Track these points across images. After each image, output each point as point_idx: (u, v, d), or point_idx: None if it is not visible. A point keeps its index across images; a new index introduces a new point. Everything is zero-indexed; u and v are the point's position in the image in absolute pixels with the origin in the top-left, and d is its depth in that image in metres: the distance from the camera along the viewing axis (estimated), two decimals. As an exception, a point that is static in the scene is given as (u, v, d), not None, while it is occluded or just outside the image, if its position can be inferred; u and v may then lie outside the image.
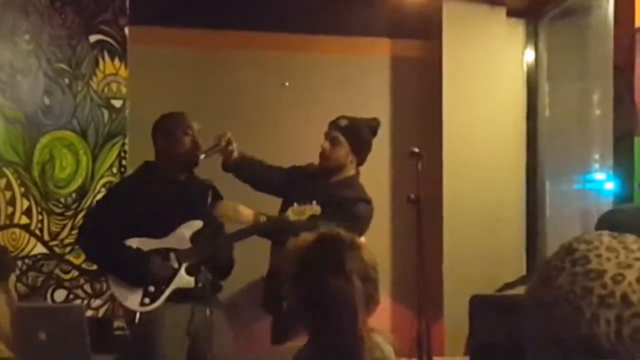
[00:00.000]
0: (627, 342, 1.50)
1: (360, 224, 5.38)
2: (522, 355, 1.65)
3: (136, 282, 5.28)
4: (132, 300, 5.30)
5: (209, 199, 5.45)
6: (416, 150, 5.19)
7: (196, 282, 5.16)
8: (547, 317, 1.57)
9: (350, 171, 5.55)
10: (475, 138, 7.15)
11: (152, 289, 5.27)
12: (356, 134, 5.53)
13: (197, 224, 5.31)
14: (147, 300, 5.28)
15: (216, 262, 5.34)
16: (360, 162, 5.57)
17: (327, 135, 5.59)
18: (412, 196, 5.32)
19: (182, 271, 5.26)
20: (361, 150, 5.55)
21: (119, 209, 5.30)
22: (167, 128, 5.53)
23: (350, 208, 5.40)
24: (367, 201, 5.53)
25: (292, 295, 2.64)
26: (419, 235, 4.97)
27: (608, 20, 6.14)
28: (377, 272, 2.62)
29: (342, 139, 5.51)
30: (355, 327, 2.48)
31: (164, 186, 5.39)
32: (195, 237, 5.29)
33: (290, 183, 5.62)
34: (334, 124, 5.58)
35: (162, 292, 5.25)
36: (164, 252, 5.28)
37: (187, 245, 5.30)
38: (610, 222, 2.67)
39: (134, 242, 5.27)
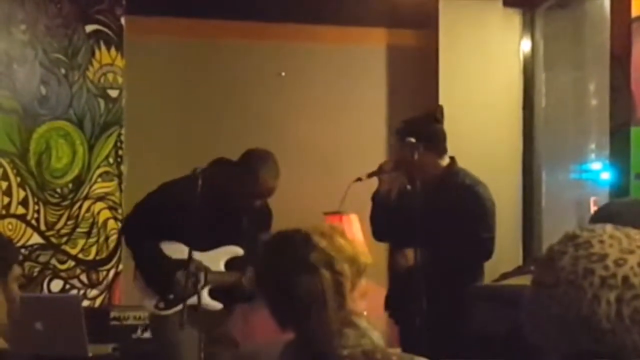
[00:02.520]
0: (627, 322, 1.52)
1: (490, 205, 5.41)
2: (518, 344, 1.66)
3: (157, 288, 5.28)
4: (149, 299, 5.31)
5: (262, 226, 5.39)
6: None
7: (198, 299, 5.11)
8: (547, 297, 1.59)
9: (434, 169, 5.40)
10: (471, 128, 7.15)
11: (171, 296, 5.25)
12: (416, 134, 5.40)
13: (236, 251, 5.28)
14: (162, 304, 5.28)
15: (240, 291, 5.33)
16: (441, 153, 5.46)
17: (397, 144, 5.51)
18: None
19: (206, 291, 5.24)
20: (432, 143, 5.39)
21: (170, 208, 5.17)
22: (261, 166, 5.26)
23: (472, 196, 5.37)
24: (483, 184, 5.49)
25: (262, 294, 2.64)
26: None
27: (604, 9, 6.14)
28: (350, 256, 2.58)
29: (400, 142, 5.43)
30: (324, 317, 2.47)
31: (226, 199, 5.26)
32: (229, 263, 5.28)
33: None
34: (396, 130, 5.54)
35: (178, 303, 5.22)
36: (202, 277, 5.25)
37: (220, 268, 5.30)
38: (606, 213, 2.67)
39: (172, 247, 5.22)
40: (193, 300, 5.12)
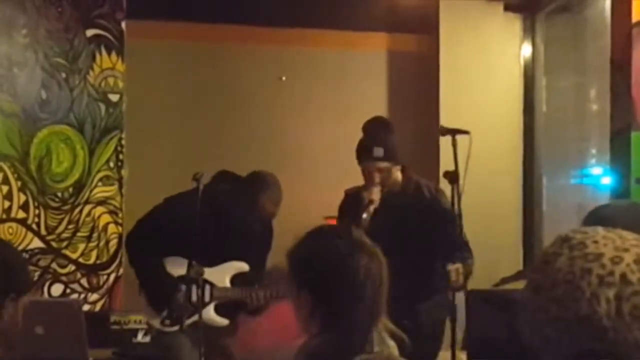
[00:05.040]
0: (627, 319, 1.53)
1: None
2: (519, 348, 1.66)
3: (161, 306, 5.24)
4: (154, 316, 5.28)
5: (264, 243, 5.37)
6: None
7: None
8: (545, 299, 1.59)
9: (399, 178, 5.36)
10: (472, 132, 7.14)
11: (177, 313, 5.21)
12: (394, 151, 5.36)
13: (242, 267, 5.27)
14: (167, 321, 5.25)
15: (247, 306, 5.31)
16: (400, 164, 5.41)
17: (371, 169, 5.28)
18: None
19: (211, 307, 5.23)
20: (400, 158, 5.38)
21: (175, 223, 5.10)
22: (262, 192, 5.26)
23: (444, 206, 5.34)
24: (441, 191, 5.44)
25: (308, 282, 2.63)
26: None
27: (605, 14, 6.15)
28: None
29: (386, 165, 5.36)
30: (377, 311, 2.48)
31: (228, 218, 5.24)
32: (235, 279, 5.27)
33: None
34: (371, 157, 5.30)
35: (185, 319, 5.17)
36: (202, 283, 5.23)
37: (225, 284, 5.28)
38: (598, 217, 2.68)
39: (176, 263, 5.17)
40: (204, 317, 5.12)
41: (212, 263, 5.20)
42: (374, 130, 5.40)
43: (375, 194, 5.25)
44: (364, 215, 5.13)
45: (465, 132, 5.08)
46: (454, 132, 5.09)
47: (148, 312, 5.37)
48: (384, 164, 5.26)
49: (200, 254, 5.06)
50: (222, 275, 5.25)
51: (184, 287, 5.11)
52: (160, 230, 5.20)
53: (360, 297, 2.48)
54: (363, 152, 5.32)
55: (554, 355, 1.59)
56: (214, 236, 5.14)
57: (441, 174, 5.14)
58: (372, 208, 5.21)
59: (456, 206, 4.93)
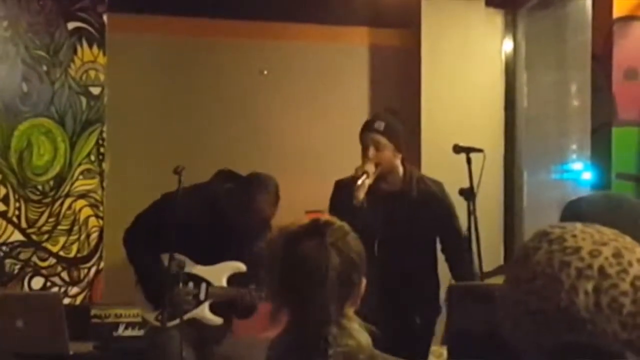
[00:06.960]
0: (606, 311, 1.54)
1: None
2: (499, 342, 1.67)
3: (157, 302, 5.20)
4: (150, 311, 5.25)
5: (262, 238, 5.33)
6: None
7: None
8: (525, 292, 1.60)
9: (400, 170, 5.37)
10: (453, 127, 7.16)
11: (170, 309, 5.18)
12: (395, 132, 5.32)
13: (239, 267, 5.25)
14: (161, 317, 5.23)
15: (240, 307, 5.29)
16: (403, 156, 5.36)
17: (368, 140, 5.23)
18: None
19: (206, 306, 5.22)
20: (402, 145, 5.36)
21: (173, 220, 4.98)
22: (259, 194, 5.20)
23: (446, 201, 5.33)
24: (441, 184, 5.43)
25: (273, 274, 2.64)
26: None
27: (586, 10, 6.16)
28: (362, 261, 2.61)
29: (384, 141, 5.31)
30: (327, 302, 2.47)
31: (228, 218, 5.18)
32: (231, 279, 5.25)
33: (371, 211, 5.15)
34: (371, 128, 5.25)
35: (178, 316, 5.09)
36: (197, 280, 5.22)
37: (222, 283, 5.26)
38: (574, 211, 2.70)
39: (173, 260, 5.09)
40: (192, 313, 5.12)
41: (210, 262, 5.20)
42: (382, 113, 5.44)
43: (369, 167, 5.18)
44: (359, 182, 5.09)
45: (479, 150, 5.10)
46: (468, 150, 5.11)
47: (144, 307, 5.34)
48: (382, 139, 5.20)
49: (198, 252, 5.08)
50: (219, 274, 5.24)
51: (180, 284, 5.11)
52: (157, 226, 5.17)
53: (308, 290, 2.48)
54: (365, 125, 5.32)
55: (533, 347, 1.61)
56: (213, 235, 5.13)
57: (456, 190, 5.17)
58: (366, 181, 5.14)
59: (472, 222, 4.96)
